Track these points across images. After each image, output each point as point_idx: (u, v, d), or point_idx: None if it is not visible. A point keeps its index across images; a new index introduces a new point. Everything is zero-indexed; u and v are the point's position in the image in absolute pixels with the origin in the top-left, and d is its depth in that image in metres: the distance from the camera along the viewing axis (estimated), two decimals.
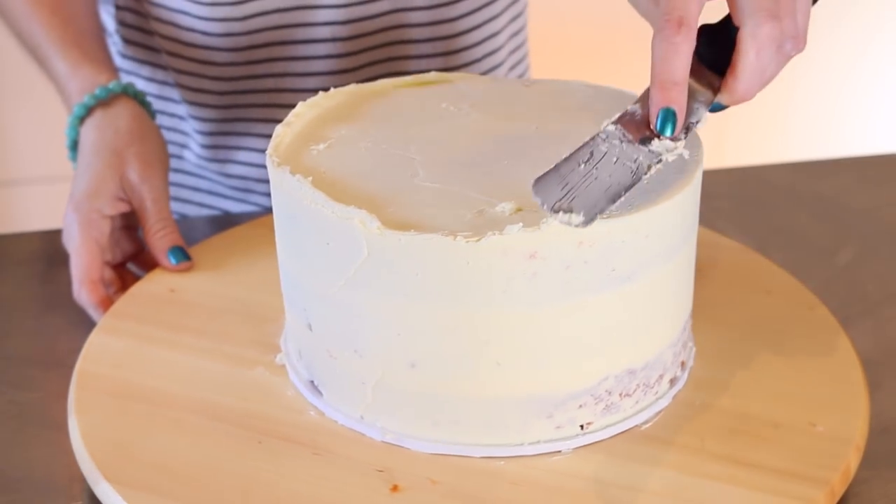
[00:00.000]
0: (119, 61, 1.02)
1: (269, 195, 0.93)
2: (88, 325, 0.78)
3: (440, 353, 0.62)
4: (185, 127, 1.03)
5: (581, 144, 0.60)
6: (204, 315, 0.76)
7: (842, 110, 2.27)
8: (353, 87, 0.76)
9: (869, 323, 0.81)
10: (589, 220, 0.57)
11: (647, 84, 0.60)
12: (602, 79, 0.79)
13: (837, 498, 0.62)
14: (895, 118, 2.30)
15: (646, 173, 0.59)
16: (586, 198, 0.58)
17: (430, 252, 0.59)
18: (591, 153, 0.60)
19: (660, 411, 0.67)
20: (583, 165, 0.59)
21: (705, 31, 0.61)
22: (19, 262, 0.90)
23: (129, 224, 0.84)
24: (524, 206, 0.61)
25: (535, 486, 0.61)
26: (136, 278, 0.83)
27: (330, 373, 0.66)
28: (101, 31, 0.92)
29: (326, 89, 0.75)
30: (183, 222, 0.97)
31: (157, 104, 1.02)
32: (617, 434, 0.65)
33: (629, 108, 0.61)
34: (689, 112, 0.60)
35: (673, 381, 0.68)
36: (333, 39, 0.95)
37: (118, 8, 1.00)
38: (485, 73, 1.02)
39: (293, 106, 0.73)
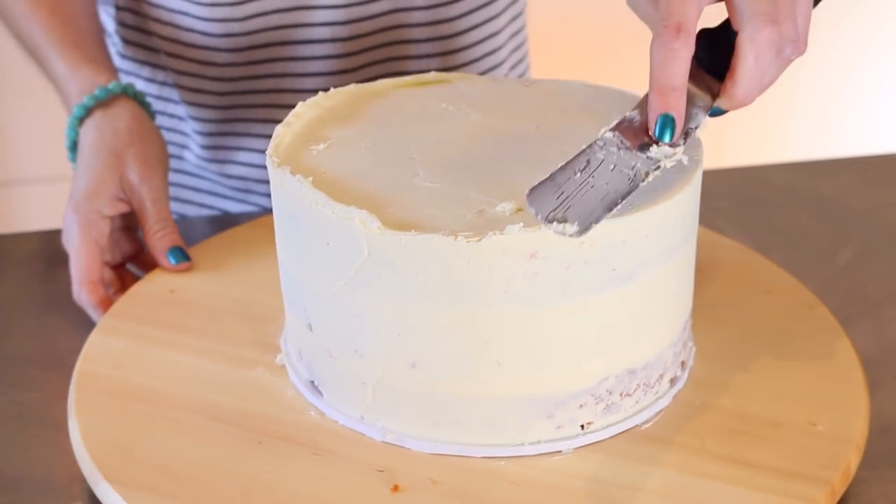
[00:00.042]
0: (119, 62, 1.02)
1: (269, 196, 0.93)
2: (88, 325, 0.78)
3: (441, 353, 0.62)
4: (185, 127, 1.03)
5: (578, 152, 0.60)
6: (204, 315, 0.76)
7: (842, 110, 2.27)
8: (352, 88, 0.76)
9: (869, 323, 0.81)
10: (584, 230, 0.56)
11: (647, 83, 0.60)
12: (602, 79, 0.79)
13: (838, 497, 0.62)
14: (895, 118, 2.30)
15: (643, 180, 0.58)
16: (582, 206, 0.57)
17: (430, 252, 0.59)
18: (588, 161, 0.59)
19: (660, 411, 0.67)
20: (579, 174, 0.59)
21: (704, 36, 0.61)
22: (19, 262, 0.90)
23: (129, 225, 0.84)
24: (524, 206, 0.61)
25: (535, 485, 0.61)
26: (136, 279, 0.83)
27: (330, 373, 0.66)
28: (100, 31, 0.92)
29: (326, 89, 0.75)
30: (182, 222, 0.97)
31: (157, 105, 1.02)
32: (617, 434, 0.65)
33: (627, 114, 0.61)
34: (688, 117, 0.60)
35: (673, 381, 0.68)
36: (333, 40, 0.95)
37: (118, 8, 1.00)
38: (485, 72, 1.02)
39: (293, 106, 0.73)
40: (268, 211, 0.96)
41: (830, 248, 0.92)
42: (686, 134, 0.60)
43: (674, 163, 0.59)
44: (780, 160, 1.09)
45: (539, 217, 0.57)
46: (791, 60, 0.60)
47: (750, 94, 0.60)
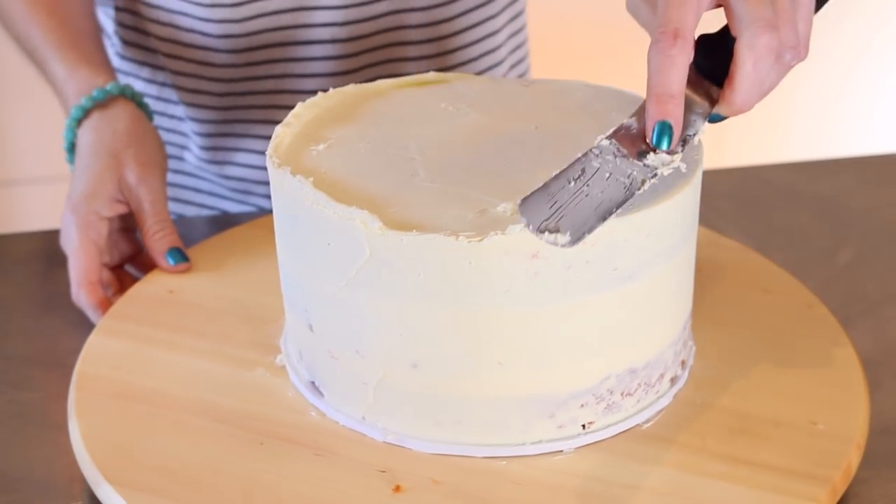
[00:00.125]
0: (118, 62, 1.02)
1: (268, 197, 0.93)
2: (88, 325, 0.78)
3: (442, 353, 0.62)
4: (184, 128, 1.03)
5: (573, 161, 0.59)
6: (203, 316, 0.76)
7: (842, 110, 2.27)
8: (351, 88, 0.75)
9: (869, 323, 0.81)
10: (576, 240, 0.56)
11: (646, 83, 0.60)
12: (602, 79, 0.79)
13: (839, 496, 0.62)
14: (895, 118, 2.30)
15: (639, 188, 0.58)
16: (575, 216, 0.57)
17: (432, 252, 0.59)
18: (583, 169, 0.59)
19: (661, 410, 0.67)
20: (573, 182, 0.58)
21: (703, 41, 0.61)
22: (19, 262, 0.90)
23: (127, 226, 0.84)
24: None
25: (537, 485, 0.61)
26: (135, 280, 0.83)
27: (331, 373, 0.66)
28: (98, 32, 0.92)
29: (325, 90, 0.75)
30: (181, 223, 0.97)
31: (156, 105, 1.02)
32: (618, 433, 0.65)
33: (625, 121, 0.60)
34: (686, 124, 0.59)
35: (674, 380, 0.68)
36: (332, 41, 0.95)
37: (117, 9, 1.00)
38: (483, 71, 1.02)
39: (292, 107, 0.73)
40: (267, 212, 0.96)
41: (830, 248, 0.92)
42: (684, 141, 0.59)
43: (671, 170, 0.59)
44: (780, 160, 1.09)
45: (531, 227, 0.56)
46: (791, 66, 0.59)
47: (749, 100, 0.60)
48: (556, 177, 0.58)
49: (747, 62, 0.58)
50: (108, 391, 0.69)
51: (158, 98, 1.02)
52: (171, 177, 1.02)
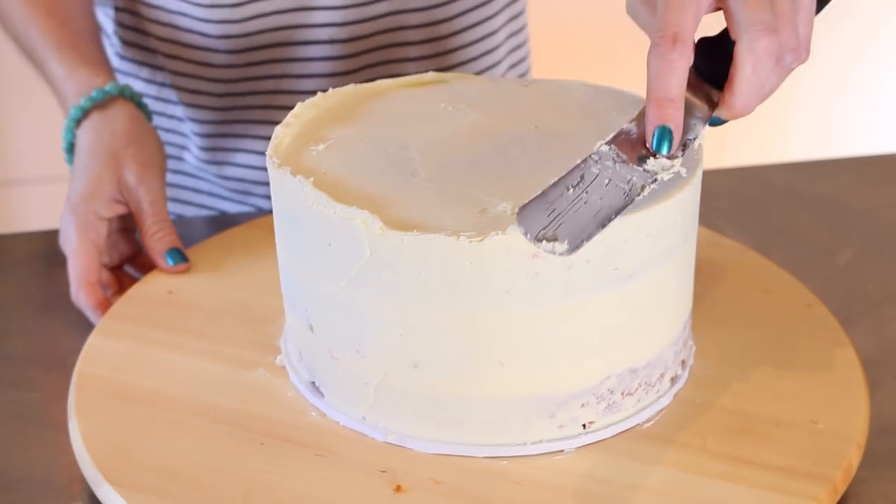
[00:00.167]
0: (117, 62, 1.02)
1: (267, 197, 0.93)
2: (88, 325, 0.78)
3: (442, 353, 0.62)
4: (184, 128, 1.03)
5: (572, 167, 0.59)
6: (202, 317, 0.76)
7: (842, 110, 2.27)
8: (350, 88, 0.75)
9: (869, 323, 0.81)
10: (574, 248, 0.56)
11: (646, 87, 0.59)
12: (602, 79, 0.79)
13: (839, 495, 0.62)
14: (895, 118, 2.30)
15: (639, 194, 0.58)
16: (574, 223, 0.56)
17: (432, 252, 0.59)
18: (582, 176, 0.58)
19: (661, 410, 0.67)
20: (571, 190, 0.58)
21: (703, 44, 0.60)
22: (19, 262, 0.90)
23: (127, 226, 0.84)
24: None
25: (538, 485, 0.61)
26: (134, 280, 0.83)
27: (332, 374, 0.66)
28: (97, 32, 0.92)
29: (325, 91, 0.75)
30: (180, 223, 0.97)
31: (156, 105, 1.02)
32: (619, 433, 0.65)
33: (625, 126, 0.60)
34: (686, 129, 0.59)
35: (674, 380, 0.68)
36: (331, 41, 0.95)
37: (116, 9, 1.00)
38: (481, 71, 1.02)
39: (291, 108, 0.72)
40: (266, 212, 0.96)
41: (830, 248, 0.92)
42: (684, 145, 0.59)
43: (671, 175, 0.59)
44: (780, 160, 1.09)
45: (528, 236, 0.56)
46: (792, 69, 0.59)
47: (749, 104, 0.59)
48: (555, 184, 0.58)
49: (746, 66, 0.58)
50: (109, 392, 0.69)
51: (158, 98, 1.02)
52: (170, 177, 1.02)
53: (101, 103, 0.84)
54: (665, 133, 0.58)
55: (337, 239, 0.61)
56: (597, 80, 0.77)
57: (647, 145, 0.58)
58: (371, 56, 0.96)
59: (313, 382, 0.68)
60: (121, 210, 0.82)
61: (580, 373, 0.63)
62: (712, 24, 0.62)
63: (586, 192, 0.57)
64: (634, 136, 0.59)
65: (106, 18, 1.01)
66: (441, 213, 0.61)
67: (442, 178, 0.65)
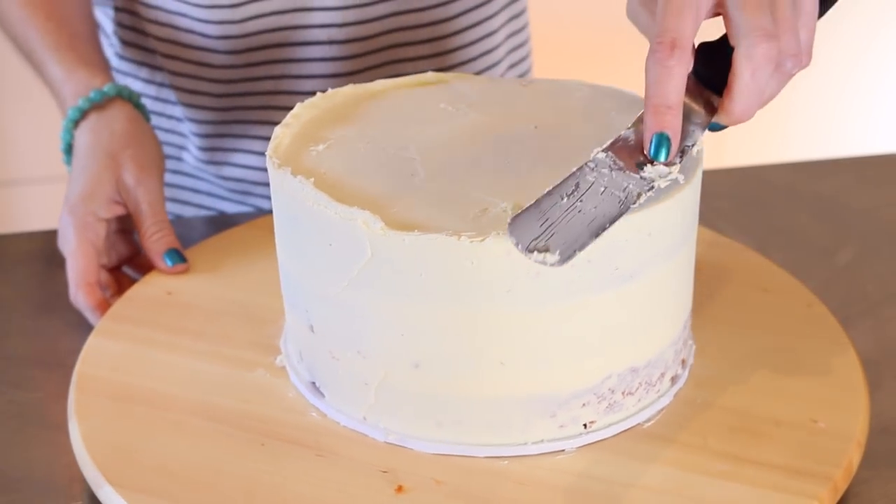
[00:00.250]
0: (117, 63, 1.02)
1: (266, 198, 0.93)
2: (88, 325, 0.78)
3: (443, 353, 0.62)
4: (183, 129, 1.03)
5: (567, 175, 0.58)
6: (202, 317, 0.76)
7: (842, 110, 2.27)
8: (350, 88, 0.75)
9: (869, 323, 0.81)
10: (566, 258, 0.55)
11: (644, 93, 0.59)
12: (602, 79, 0.79)
13: (840, 494, 0.62)
14: (895, 118, 2.30)
15: (635, 202, 0.57)
16: (567, 233, 0.55)
17: (433, 252, 0.59)
18: (577, 184, 0.57)
19: (662, 409, 0.67)
20: (566, 199, 0.57)
21: (703, 49, 0.60)
22: (19, 262, 0.90)
23: (125, 227, 0.84)
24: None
25: (539, 485, 0.61)
26: (133, 281, 0.82)
27: (332, 374, 0.66)
28: (95, 33, 0.92)
29: (324, 91, 0.75)
30: (179, 223, 0.97)
31: (155, 106, 1.02)
32: (620, 432, 0.65)
33: (622, 133, 0.59)
34: (685, 135, 0.59)
35: (674, 380, 0.68)
36: (330, 42, 0.95)
37: (116, 10, 1.00)
38: (480, 71, 1.02)
39: (290, 108, 0.72)
40: (265, 212, 0.96)
41: (830, 248, 0.92)
42: (682, 152, 0.59)
43: (668, 182, 0.58)
44: (780, 160, 1.09)
45: (520, 247, 0.55)
46: (793, 74, 0.58)
47: (748, 110, 0.59)
48: (549, 193, 0.57)
49: (745, 72, 0.57)
50: (108, 392, 0.69)
51: (157, 98, 1.02)
52: (169, 177, 1.02)
53: (99, 104, 0.84)
54: (663, 140, 0.57)
55: (338, 239, 0.61)
56: (597, 80, 0.77)
57: (645, 152, 0.58)
58: (370, 57, 0.96)
59: (314, 383, 0.68)
60: (119, 211, 0.82)
61: (581, 372, 0.63)
62: (712, 28, 0.62)
63: (581, 201, 0.57)
64: (632, 142, 0.59)
65: (105, 18, 1.01)
66: (442, 213, 0.61)
67: (442, 178, 0.65)
